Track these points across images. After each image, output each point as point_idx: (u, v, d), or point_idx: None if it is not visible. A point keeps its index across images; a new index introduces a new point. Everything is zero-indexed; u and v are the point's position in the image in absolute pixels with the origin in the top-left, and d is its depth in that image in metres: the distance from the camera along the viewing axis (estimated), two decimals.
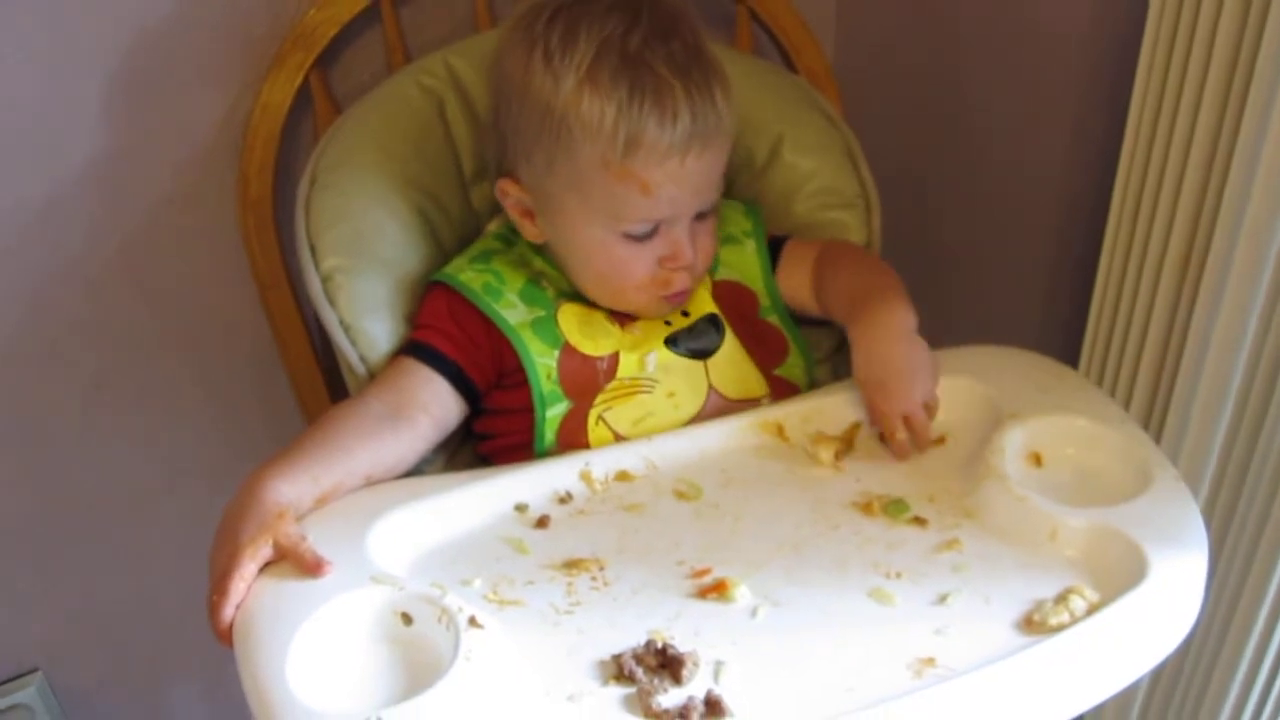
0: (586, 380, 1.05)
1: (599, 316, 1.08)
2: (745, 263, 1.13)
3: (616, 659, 0.84)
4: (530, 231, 1.09)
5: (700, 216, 1.05)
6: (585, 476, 1.01)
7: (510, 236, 1.12)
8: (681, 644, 0.84)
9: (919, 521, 0.94)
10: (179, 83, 1.18)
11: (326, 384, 1.25)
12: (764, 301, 1.13)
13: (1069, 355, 1.25)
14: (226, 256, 1.24)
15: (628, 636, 0.86)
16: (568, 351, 1.06)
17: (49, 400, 1.27)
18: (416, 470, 1.07)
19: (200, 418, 1.34)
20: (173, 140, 1.20)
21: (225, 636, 0.88)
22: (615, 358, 1.06)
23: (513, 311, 1.06)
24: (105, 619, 1.41)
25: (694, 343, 1.08)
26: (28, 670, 1.39)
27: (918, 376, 1.00)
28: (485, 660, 0.82)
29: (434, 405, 1.04)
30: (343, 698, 0.82)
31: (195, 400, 1.33)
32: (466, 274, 1.08)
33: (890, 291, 1.06)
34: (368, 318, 1.06)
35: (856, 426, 1.04)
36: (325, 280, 1.06)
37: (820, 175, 1.15)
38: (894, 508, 0.95)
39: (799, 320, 1.14)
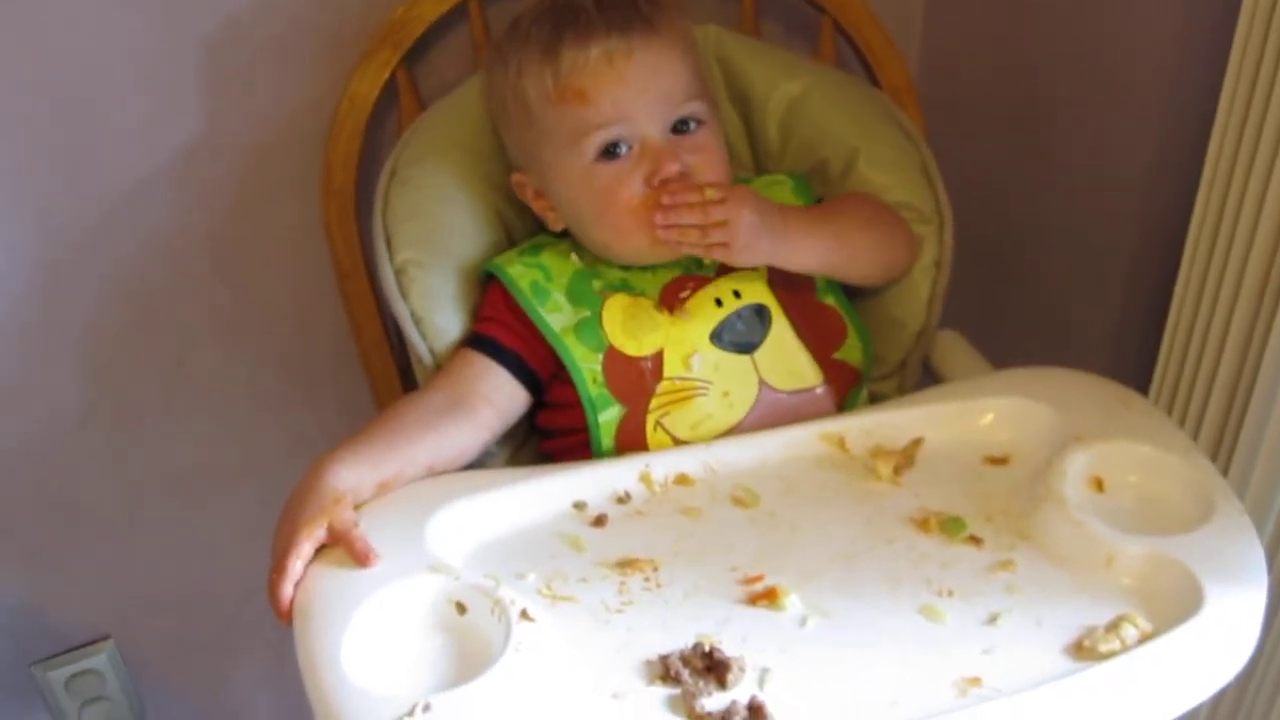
0: (635, 382, 1.06)
1: (645, 306, 1.08)
2: None
3: (663, 660, 0.85)
4: (551, 219, 1.11)
5: (683, 130, 1.06)
6: (645, 478, 1.02)
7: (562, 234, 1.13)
8: (729, 649, 0.85)
9: (974, 541, 0.94)
10: (270, 72, 1.21)
11: (400, 373, 1.28)
12: (819, 282, 1.13)
13: (1140, 381, 1.24)
14: (308, 245, 1.27)
15: (676, 638, 0.87)
16: (612, 354, 1.07)
17: (133, 377, 1.31)
18: (480, 464, 1.09)
19: (277, 401, 1.38)
20: (262, 128, 1.23)
21: (284, 614, 0.90)
22: (660, 357, 1.07)
23: (557, 315, 1.08)
24: (178, 593, 1.45)
25: (739, 336, 1.08)
26: (100, 637, 1.43)
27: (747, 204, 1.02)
28: (534, 652, 0.84)
29: (495, 395, 1.06)
30: (395, 681, 0.84)
31: (273, 383, 1.36)
32: (515, 268, 1.09)
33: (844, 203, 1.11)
34: (438, 311, 1.09)
35: (918, 443, 1.03)
36: (399, 273, 1.09)
37: (895, 190, 1.15)
38: (950, 525, 0.95)
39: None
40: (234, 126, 1.22)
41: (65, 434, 1.31)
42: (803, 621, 0.88)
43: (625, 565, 0.94)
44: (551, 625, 0.87)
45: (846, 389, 1.12)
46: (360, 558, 0.90)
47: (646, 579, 0.93)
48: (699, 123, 1.07)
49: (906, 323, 1.16)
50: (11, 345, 1.25)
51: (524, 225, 1.17)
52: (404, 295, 1.08)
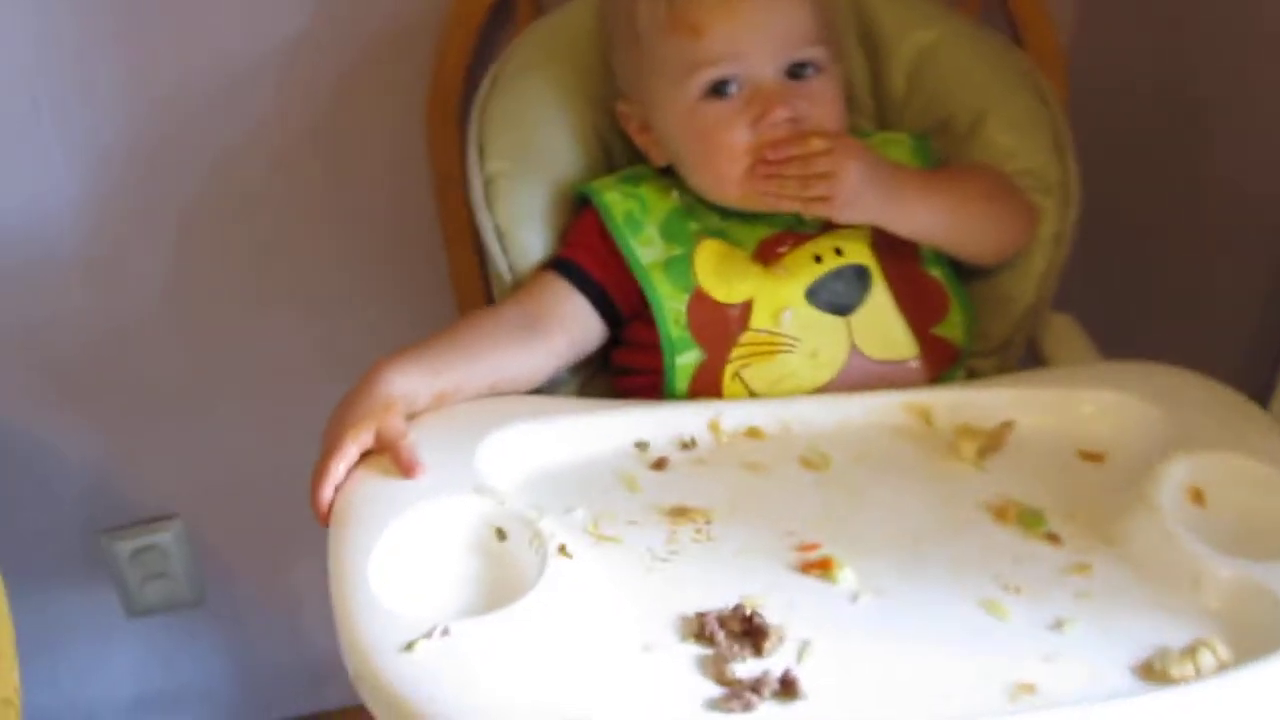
0: (718, 328, 1.01)
1: (740, 255, 1.03)
2: None
3: (700, 617, 0.80)
4: (654, 154, 1.06)
5: (799, 75, 1.00)
6: (713, 426, 0.97)
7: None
8: (771, 615, 0.80)
9: (1052, 538, 0.87)
10: None
11: (484, 286, 1.24)
12: (925, 252, 1.06)
13: (1263, 394, 1.15)
14: (409, 146, 1.23)
15: (718, 597, 0.82)
16: (698, 297, 1.02)
17: (222, 262, 1.30)
18: (549, 390, 1.06)
19: (362, 299, 1.35)
20: (372, 21, 1.20)
21: (322, 517, 0.88)
22: (748, 306, 1.01)
23: (648, 249, 1.03)
24: (248, 480, 1.45)
25: (836, 297, 1.02)
26: (168, 515, 1.44)
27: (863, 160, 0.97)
28: (567, 591, 0.80)
29: (572, 323, 1.02)
30: (421, 600, 0.81)
31: (360, 281, 1.34)
32: (612, 194, 1.05)
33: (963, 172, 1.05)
34: (523, 226, 1.05)
35: (1008, 426, 0.97)
36: (487, 183, 1.05)
37: (1022, 155, 1.07)
38: (1030, 518, 0.89)
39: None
40: (343, 16, 1.19)
41: (151, 312, 1.31)
42: (854, 598, 0.82)
43: (678, 513, 0.90)
44: (590, 565, 0.83)
45: (943, 366, 1.05)
46: (405, 468, 0.87)
47: (698, 530, 0.88)
48: (817, 69, 1.00)
49: (1015, 299, 1.08)
50: (107, 219, 1.25)
51: (626, 152, 1.11)
52: (490, 206, 1.04)
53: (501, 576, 0.83)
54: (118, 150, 1.21)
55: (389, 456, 0.88)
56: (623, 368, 1.07)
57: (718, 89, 0.99)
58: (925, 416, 0.98)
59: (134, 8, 1.15)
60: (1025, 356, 1.13)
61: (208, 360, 1.36)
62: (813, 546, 0.86)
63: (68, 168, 1.21)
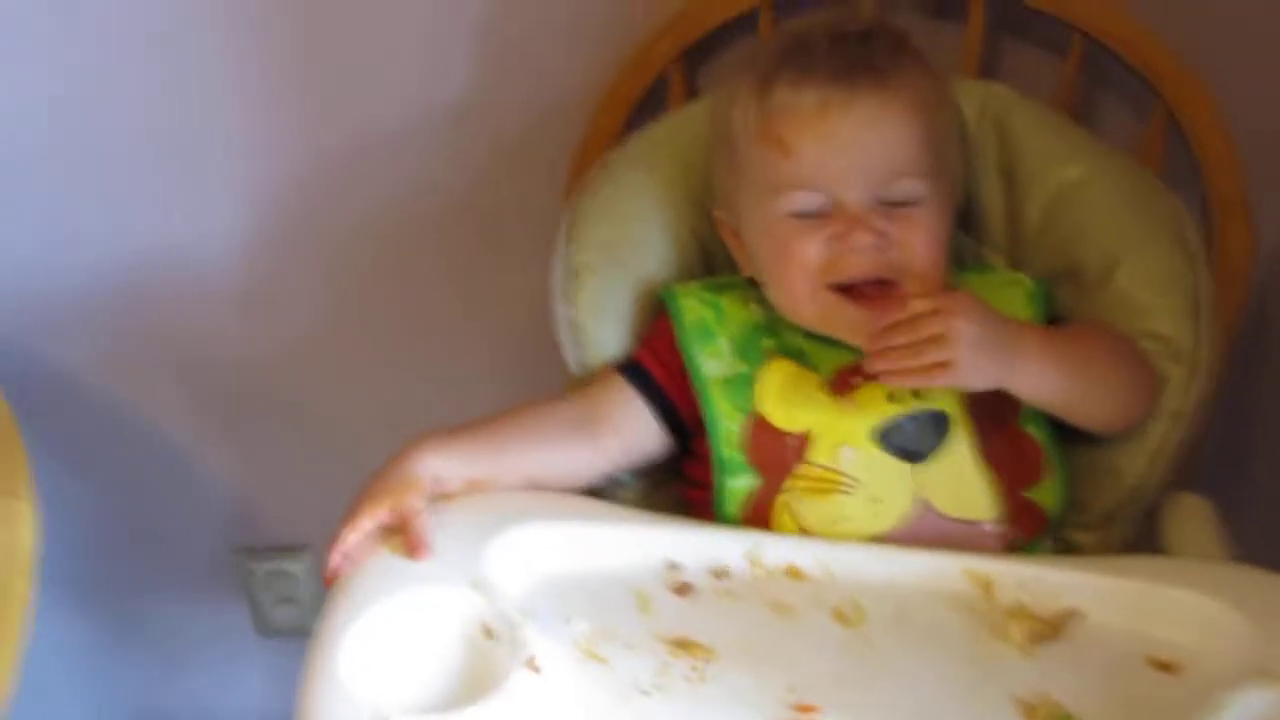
0: (774, 456, 0.95)
1: (811, 381, 0.96)
2: None
3: None
4: (743, 263, 1.01)
5: (897, 205, 0.93)
6: (752, 558, 0.91)
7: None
8: None
9: None
10: (544, 46, 1.20)
11: None
12: (1025, 407, 0.95)
13: None
14: (554, 220, 1.23)
15: None
16: (755, 420, 0.96)
17: (371, 311, 1.35)
18: (607, 491, 1.03)
19: (505, 367, 1.36)
20: (529, 96, 1.22)
21: (327, 581, 0.88)
22: (807, 438, 0.95)
23: (714, 362, 0.98)
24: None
25: (906, 441, 0.94)
26: (302, 545, 1.48)
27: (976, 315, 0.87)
28: (522, 705, 0.77)
29: (627, 428, 0.98)
30: (394, 685, 0.80)
31: (495, 347, 1.36)
32: (688, 300, 1.00)
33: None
34: (600, 323, 1.02)
35: (1071, 614, 0.86)
36: (573, 274, 1.03)
37: (1153, 317, 0.96)
38: None
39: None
40: (501, 88, 1.21)
41: (299, 349, 1.37)
42: None
43: (680, 645, 0.84)
44: (561, 684, 0.80)
45: (1030, 534, 0.96)
46: (412, 548, 0.86)
47: (694, 667, 0.83)
48: (915, 205, 0.93)
49: (1123, 473, 0.97)
50: (264, 259, 1.31)
51: (728, 260, 1.06)
52: (569, 298, 1.02)
53: (476, 676, 0.81)
54: (281, 192, 1.27)
55: (401, 535, 0.88)
56: (689, 479, 1.02)
57: (803, 214, 0.94)
58: (985, 587, 0.89)
59: (306, 70, 1.22)
60: (1148, 538, 1.02)
61: (349, 399, 1.40)
62: (810, 709, 0.80)
63: (233, 210, 1.28)
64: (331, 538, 0.90)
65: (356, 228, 1.29)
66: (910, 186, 0.93)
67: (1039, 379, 0.90)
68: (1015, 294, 0.99)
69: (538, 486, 0.96)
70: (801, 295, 0.95)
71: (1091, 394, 0.94)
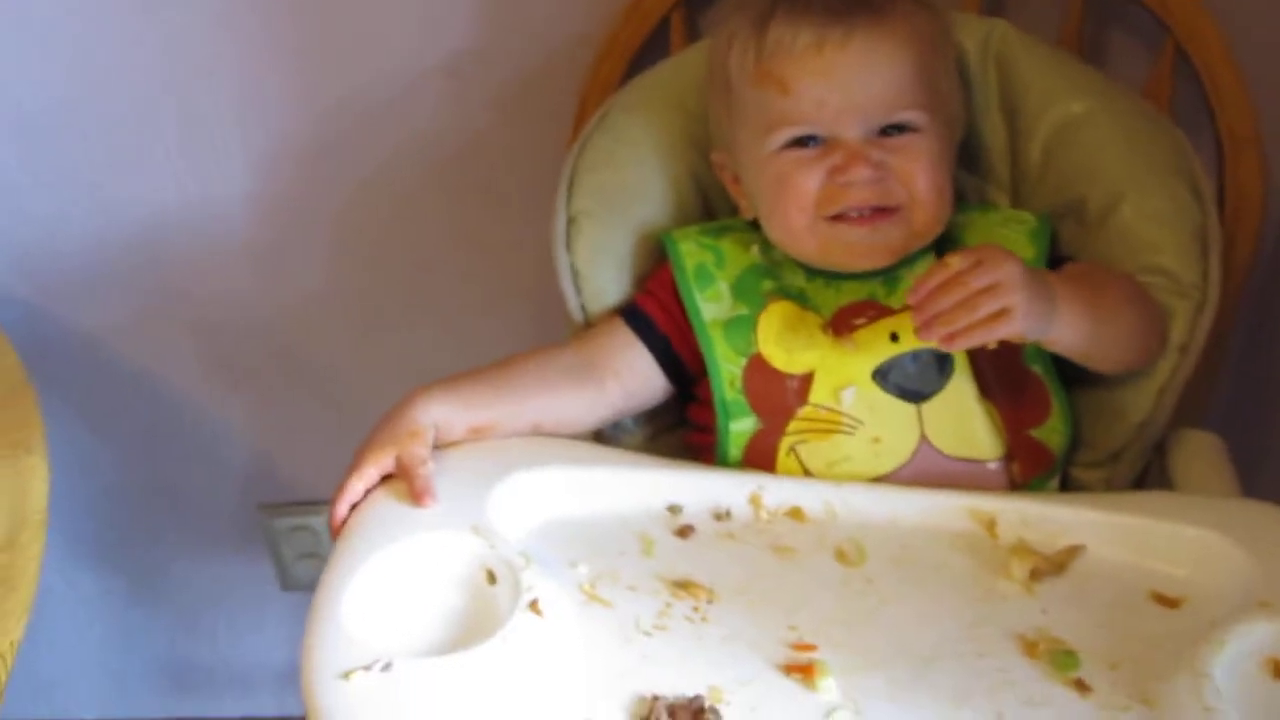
0: (775, 398, 0.95)
1: (812, 322, 0.96)
2: None
3: (653, 700, 0.76)
4: (744, 206, 1.01)
5: (892, 133, 0.92)
6: (754, 500, 0.92)
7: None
8: (730, 713, 0.75)
9: (1081, 686, 0.77)
10: None
11: None
12: (1028, 346, 0.95)
13: None
14: (557, 168, 1.22)
15: (685, 682, 0.77)
16: (756, 362, 0.96)
17: (380, 268, 1.35)
18: (611, 437, 1.03)
19: (516, 319, 1.37)
20: (530, 45, 1.21)
21: (334, 531, 0.89)
22: (809, 378, 0.95)
23: (714, 305, 0.98)
24: None
25: (908, 380, 0.94)
26: (323, 500, 1.49)
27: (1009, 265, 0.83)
28: (524, 648, 0.78)
29: (628, 374, 0.99)
30: (396, 631, 0.81)
31: (501, 291, 1.36)
32: (688, 244, 1.00)
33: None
34: (601, 269, 1.02)
35: (1074, 550, 0.86)
36: (570, 221, 1.02)
37: (1159, 251, 0.95)
38: (1062, 659, 0.78)
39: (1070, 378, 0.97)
40: (502, 39, 1.21)
41: (312, 304, 1.37)
42: (828, 712, 0.75)
43: (681, 586, 0.85)
44: (563, 626, 0.80)
45: (1035, 472, 0.95)
46: (416, 495, 0.87)
47: (695, 609, 0.83)
48: (914, 131, 0.93)
49: (1128, 410, 0.96)
50: (275, 213, 1.32)
51: (727, 202, 1.06)
52: (569, 246, 1.02)
53: (479, 620, 0.82)
54: (287, 151, 1.28)
55: (405, 483, 0.88)
56: (693, 424, 1.02)
57: (800, 142, 0.94)
58: (989, 526, 0.89)
59: (306, 26, 1.21)
60: (1156, 474, 1.01)
61: (362, 354, 1.41)
62: (808, 647, 0.80)
63: (245, 165, 1.29)
64: (338, 488, 0.91)
65: (363, 184, 1.30)
66: (908, 115, 0.93)
67: (1074, 327, 0.88)
68: (1018, 232, 0.98)
69: (541, 433, 0.96)
70: (800, 228, 0.94)
71: (1117, 339, 0.93)
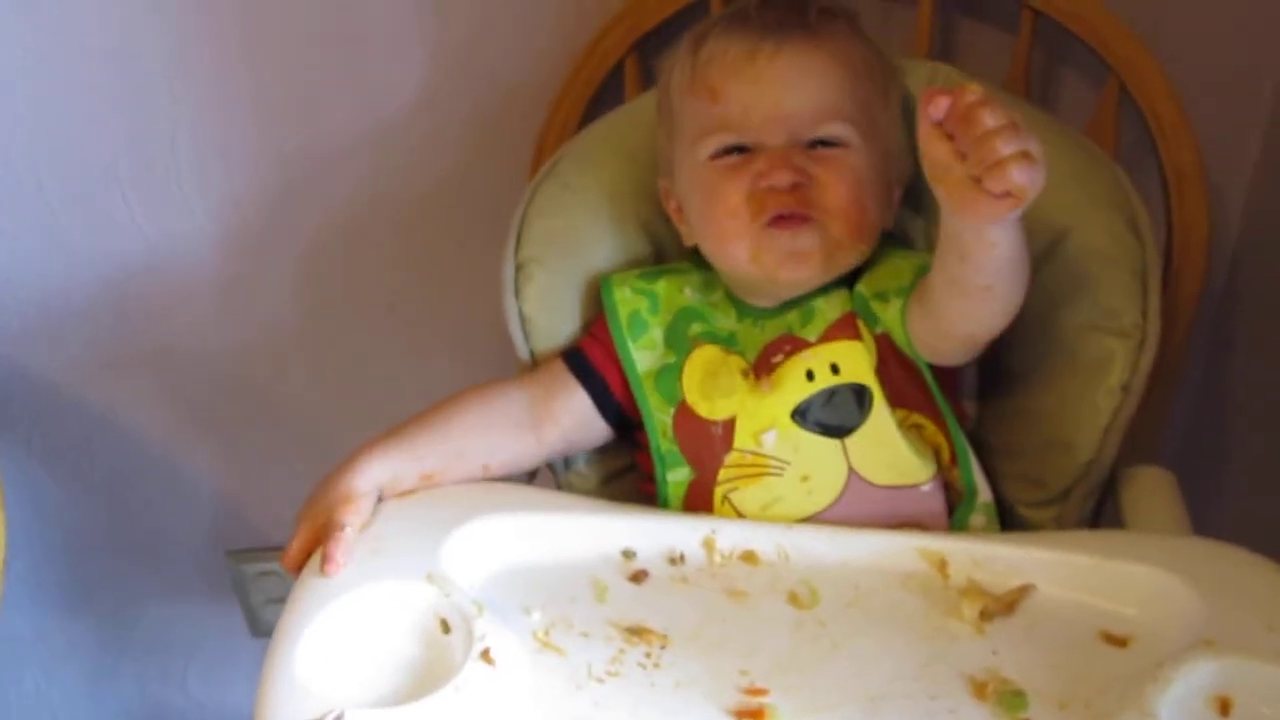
0: (703, 446, 0.97)
1: (732, 366, 0.97)
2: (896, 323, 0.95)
3: None
4: (684, 232, 1.01)
5: (819, 148, 0.93)
6: (708, 543, 0.92)
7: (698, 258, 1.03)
8: None
9: None
10: (503, 39, 1.20)
11: None
12: (930, 382, 0.96)
13: None
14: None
15: None
16: (683, 410, 0.97)
17: (345, 308, 1.36)
18: (567, 482, 1.04)
19: (480, 358, 1.37)
20: (490, 90, 1.22)
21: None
22: (731, 425, 0.96)
23: (647, 354, 0.99)
24: None
25: (827, 416, 0.94)
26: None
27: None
28: (475, 698, 0.78)
29: (566, 417, 1.00)
30: (351, 681, 0.81)
31: (463, 329, 1.37)
32: (623, 291, 1.01)
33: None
34: (549, 314, 1.03)
35: (1025, 590, 0.87)
36: (519, 268, 1.03)
37: (1100, 289, 0.96)
38: (1010, 700, 0.79)
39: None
40: (461, 87, 1.22)
41: (278, 348, 1.38)
42: None
43: (634, 632, 0.85)
44: (515, 674, 0.81)
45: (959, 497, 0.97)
46: (323, 560, 0.87)
47: (648, 654, 0.84)
48: (842, 146, 0.93)
49: (1075, 448, 0.97)
50: (239, 259, 1.32)
51: (676, 248, 1.06)
52: (517, 292, 1.02)
53: (432, 670, 0.82)
54: (249, 196, 1.28)
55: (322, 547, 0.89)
56: (642, 472, 1.03)
57: (729, 152, 0.95)
58: (940, 565, 0.90)
59: (267, 76, 1.22)
60: (1110, 511, 1.02)
61: (328, 396, 1.41)
62: (760, 692, 0.80)
63: (206, 211, 1.29)
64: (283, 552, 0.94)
65: (325, 227, 1.30)
66: (835, 129, 0.93)
67: (1016, 233, 0.81)
68: (910, 263, 0.96)
69: (490, 474, 0.97)
70: (731, 237, 0.95)
71: (1017, 278, 0.85)
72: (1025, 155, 0.72)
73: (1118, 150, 1.12)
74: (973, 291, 0.85)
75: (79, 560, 1.51)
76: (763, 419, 0.95)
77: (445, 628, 0.84)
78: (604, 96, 1.17)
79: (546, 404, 0.99)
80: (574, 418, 1.00)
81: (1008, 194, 0.73)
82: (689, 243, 1.02)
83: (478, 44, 1.21)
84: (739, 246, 0.94)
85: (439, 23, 1.20)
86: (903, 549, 0.91)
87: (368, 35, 1.21)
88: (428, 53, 1.21)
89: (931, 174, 0.77)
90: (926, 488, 0.95)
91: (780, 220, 0.92)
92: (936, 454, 0.96)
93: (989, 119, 0.72)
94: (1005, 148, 0.72)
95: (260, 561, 1.50)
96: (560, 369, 1.01)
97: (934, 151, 0.76)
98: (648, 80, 1.17)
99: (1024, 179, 0.72)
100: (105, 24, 1.20)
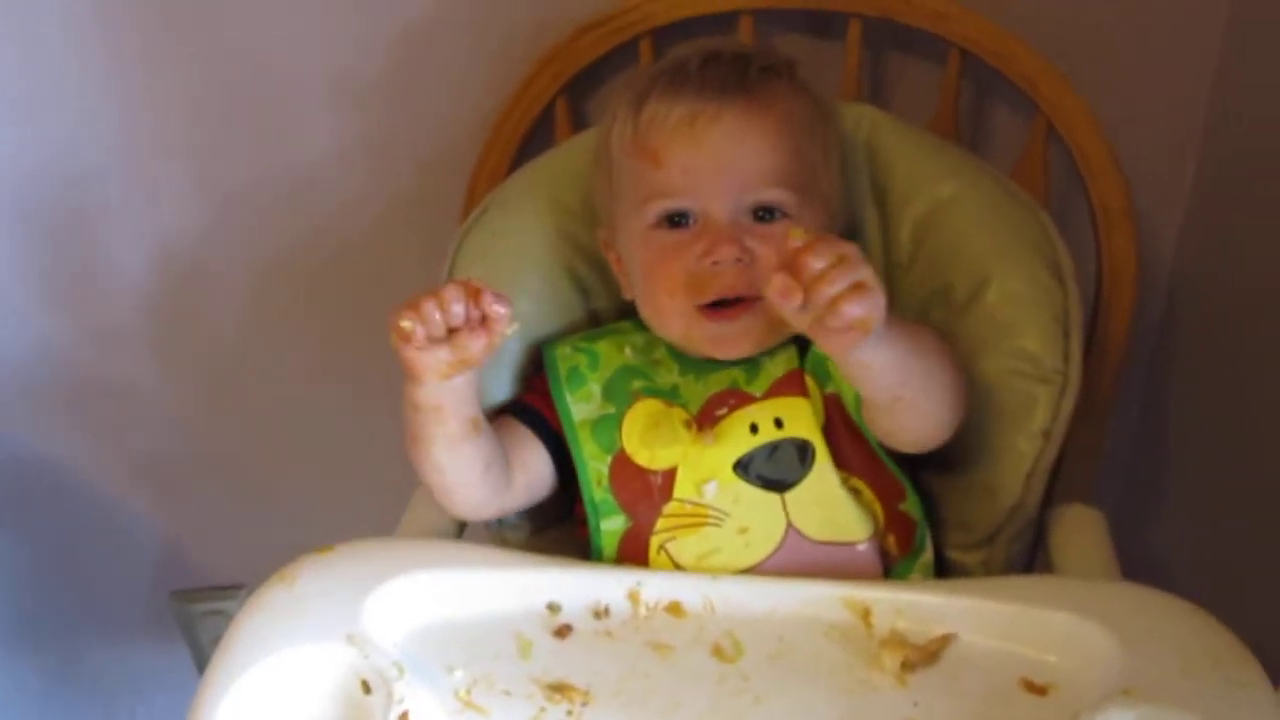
0: (641, 495, 0.96)
1: (676, 418, 0.97)
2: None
3: None
4: (624, 285, 1.02)
5: (763, 218, 0.93)
6: (633, 596, 0.92)
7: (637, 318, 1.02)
8: None
9: None
10: (434, 84, 1.20)
11: None
12: (872, 438, 0.95)
13: None
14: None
15: None
16: (620, 459, 0.97)
17: (284, 351, 1.36)
18: (498, 534, 1.04)
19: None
20: (418, 138, 1.23)
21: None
22: (672, 474, 0.96)
23: (584, 405, 0.99)
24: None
25: (769, 470, 0.94)
26: (236, 585, 1.49)
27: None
28: None
29: (531, 467, 0.99)
30: None
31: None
32: (563, 349, 1.01)
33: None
34: (485, 367, 1.02)
35: (946, 640, 0.86)
36: None
37: (1021, 334, 0.96)
38: None
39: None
40: (391, 133, 1.23)
41: (215, 392, 1.38)
42: None
43: (556, 689, 0.85)
44: None
45: (909, 544, 0.97)
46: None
47: (569, 712, 0.83)
48: (784, 215, 0.94)
49: (998, 492, 0.97)
50: (176, 303, 1.32)
51: (605, 291, 1.07)
52: None
53: None
54: (181, 245, 1.29)
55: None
56: (580, 520, 1.02)
57: (673, 220, 0.95)
58: (864, 615, 0.89)
59: (199, 120, 1.23)
60: (1042, 552, 1.02)
61: (266, 438, 1.41)
62: None
63: (142, 257, 1.30)
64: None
65: (261, 274, 1.31)
66: (777, 195, 0.93)
67: (893, 345, 0.82)
68: None
69: (488, 474, 0.97)
70: (668, 312, 0.96)
71: (928, 378, 0.88)
72: (857, 287, 0.75)
73: (1048, 187, 1.12)
74: (884, 404, 0.88)
75: (22, 605, 1.50)
76: (705, 470, 0.95)
77: (366, 689, 0.83)
78: (534, 139, 1.17)
79: (511, 455, 0.98)
80: (534, 468, 1.00)
81: (850, 327, 0.75)
82: (628, 295, 1.02)
83: (411, 92, 1.21)
84: (675, 324, 0.96)
85: (371, 72, 1.20)
86: (828, 599, 0.90)
87: (299, 79, 1.20)
88: (364, 97, 1.21)
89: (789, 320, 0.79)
90: (862, 547, 0.95)
91: (716, 310, 0.93)
92: (897, 490, 0.96)
93: (815, 262, 0.75)
94: (832, 288, 0.74)
95: (206, 601, 1.49)
96: (511, 422, 1.01)
97: (779, 308, 0.77)
98: (578, 123, 1.18)
99: (858, 311, 0.75)
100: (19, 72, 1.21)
